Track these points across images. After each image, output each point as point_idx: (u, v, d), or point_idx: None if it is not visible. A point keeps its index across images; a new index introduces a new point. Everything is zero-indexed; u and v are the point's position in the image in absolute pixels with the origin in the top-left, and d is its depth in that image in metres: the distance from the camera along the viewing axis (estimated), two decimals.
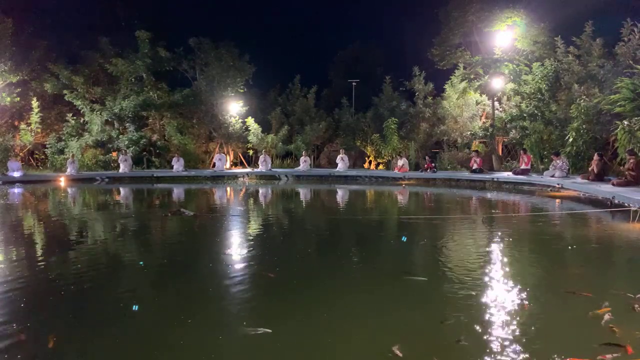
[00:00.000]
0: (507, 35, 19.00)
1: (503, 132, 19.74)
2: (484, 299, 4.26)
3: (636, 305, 3.97)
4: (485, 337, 3.43)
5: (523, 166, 16.01)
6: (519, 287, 4.64)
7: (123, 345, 3.50)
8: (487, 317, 3.84)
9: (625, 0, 18.08)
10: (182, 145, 22.21)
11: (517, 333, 3.50)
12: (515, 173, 16.05)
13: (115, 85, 22.72)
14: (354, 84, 25.45)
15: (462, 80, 20.98)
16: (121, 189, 16.54)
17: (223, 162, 21.41)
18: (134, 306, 4.19)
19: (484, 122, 20.84)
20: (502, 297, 4.34)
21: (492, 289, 4.56)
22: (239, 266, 5.70)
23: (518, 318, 3.79)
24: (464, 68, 21.30)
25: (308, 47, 42.19)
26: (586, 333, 3.55)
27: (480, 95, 20.99)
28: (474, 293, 4.42)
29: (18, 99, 21.20)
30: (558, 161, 14.67)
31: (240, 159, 24.42)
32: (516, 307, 4.04)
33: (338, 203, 13.53)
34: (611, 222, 8.63)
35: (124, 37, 22.81)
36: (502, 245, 6.80)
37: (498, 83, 19.55)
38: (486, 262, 5.71)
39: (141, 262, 6.01)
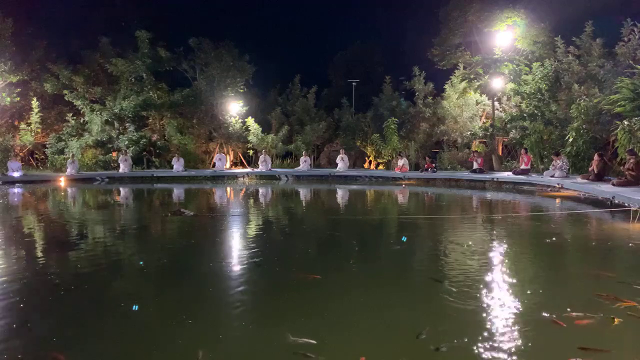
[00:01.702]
0: (507, 35, 19.00)
1: (503, 132, 19.73)
2: (482, 302, 4.26)
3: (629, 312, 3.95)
4: (473, 344, 3.43)
5: (523, 166, 16.01)
6: (516, 289, 4.64)
7: (123, 345, 3.50)
8: (479, 323, 3.84)
9: (625, 0, 18.09)
10: (182, 145, 22.21)
11: (509, 339, 3.50)
12: (515, 173, 16.06)
13: (115, 85, 22.72)
14: (354, 84, 25.45)
15: (462, 80, 20.99)
16: (121, 189, 16.54)
17: (223, 162, 21.41)
18: (134, 306, 4.19)
19: (484, 122, 20.85)
20: (496, 298, 4.34)
21: (489, 290, 4.56)
22: (239, 266, 5.70)
23: (511, 323, 3.79)
24: (464, 68, 21.31)
25: (308, 47, 42.18)
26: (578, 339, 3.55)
27: (480, 95, 21.00)
28: (472, 295, 4.42)
29: (18, 99, 21.20)
30: (558, 161, 14.67)
31: (240, 159, 24.42)
32: (510, 311, 4.04)
33: (338, 203, 13.53)
34: (611, 222, 8.62)
35: (124, 37, 22.83)
36: (500, 246, 6.80)
37: (498, 83, 19.55)
38: (485, 263, 5.71)
39: (141, 262, 6.01)
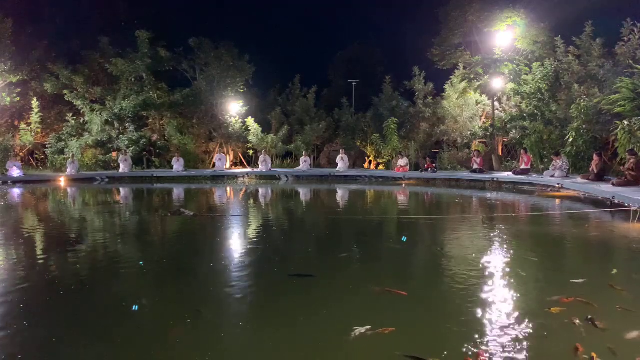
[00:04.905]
0: (507, 35, 19.01)
1: (503, 132, 19.74)
2: (481, 303, 4.26)
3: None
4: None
5: (523, 166, 16.01)
6: (515, 291, 4.64)
7: (123, 345, 3.50)
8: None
9: (625, 0, 18.08)
10: (182, 145, 22.21)
11: (502, 345, 3.49)
12: (515, 173, 16.06)
13: (115, 85, 22.72)
14: (354, 84, 25.45)
15: (462, 80, 20.99)
16: (121, 189, 16.54)
17: (223, 162, 21.42)
18: (134, 306, 4.19)
19: (484, 122, 20.85)
20: (496, 299, 4.35)
21: (486, 293, 4.56)
22: (239, 266, 5.70)
23: (502, 329, 3.79)
24: (464, 68, 21.31)
25: (308, 47, 42.19)
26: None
27: (480, 95, 21.00)
28: (473, 297, 4.42)
29: (18, 99, 21.20)
30: (558, 161, 14.67)
31: (240, 159, 24.43)
32: (510, 314, 4.04)
33: (338, 203, 13.53)
34: (611, 222, 8.61)
35: (124, 37, 22.82)
36: (500, 247, 6.80)
37: (498, 83, 19.55)
38: (484, 265, 5.70)
39: (141, 262, 6.01)
